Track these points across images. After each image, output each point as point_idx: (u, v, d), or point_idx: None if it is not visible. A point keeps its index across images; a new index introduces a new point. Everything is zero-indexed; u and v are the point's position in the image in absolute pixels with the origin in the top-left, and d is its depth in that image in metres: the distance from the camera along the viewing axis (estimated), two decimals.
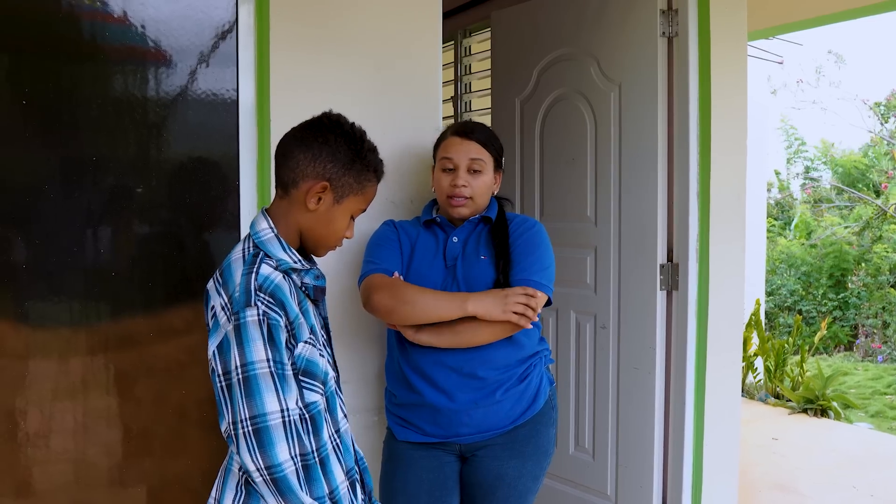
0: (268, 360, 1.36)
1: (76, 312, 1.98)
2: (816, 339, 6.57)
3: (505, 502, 2.04)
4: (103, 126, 1.97)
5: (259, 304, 1.37)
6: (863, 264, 9.07)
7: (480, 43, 4.01)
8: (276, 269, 1.44)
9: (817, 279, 9.30)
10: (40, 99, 1.90)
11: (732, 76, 2.70)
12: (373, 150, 1.54)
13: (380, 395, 2.28)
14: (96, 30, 1.95)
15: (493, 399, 1.98)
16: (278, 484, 1.35)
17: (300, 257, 1.51)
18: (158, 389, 2.08)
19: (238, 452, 1.36)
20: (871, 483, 3.97)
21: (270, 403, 1.35)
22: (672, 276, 2.69)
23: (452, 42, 4.12)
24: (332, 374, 1.55)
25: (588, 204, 2.91)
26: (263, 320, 1.36)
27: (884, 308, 8.62)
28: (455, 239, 2.05)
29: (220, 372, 1.37)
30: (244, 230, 2.07)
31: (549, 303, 2.01)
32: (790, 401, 5.43)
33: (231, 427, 1.36)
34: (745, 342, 5.65)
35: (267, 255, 1.45)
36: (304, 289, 1.50)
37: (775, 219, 10.79)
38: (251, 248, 1.46)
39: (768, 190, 10.00)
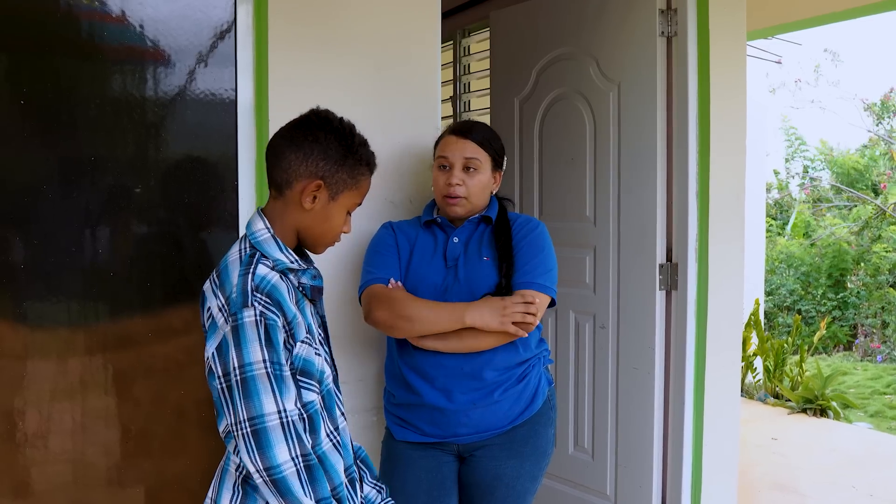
0: (264, 362, 1.35)
1: (75, 312, 1.98)
2: (816, 338, 6.57)
3: (503, 502, 2.03)
4: (102, 126, 1.97)
5: (256, 304, 1.36)
6: (862, 264, 9.06)
7: (479, 43, 4.01)
8: (272, 269, 1.43)
9: (816, 279, 9.30)
10: (39, 99, 1.90)
11: (731, 76, 2.69)
12: (363, 143, 1.54)
13: (378, 396, 2.28)
14: (94, 29, 1.94)
15: (492, 399, 1.98)
16: (278, 485, 1.35)
17: (297, 257, 1.50)
18: (157, 390, 2.08)
19: (239, 454, 1.36)
20: (871, 483, 3.97)
21: (268, 405, 1.35)
22: (671, 275, 2.69)
23: (451, 42, 4.11)
24: (328, 372, 1.54)
25: (587, 204, 2.91)
26: (260, 321, 1.36)
27: (883, 308, 8.61)
28: (456, 239, 2.05)
29: (220, 373, 1.37)
30: (243, 230, 2.06)
31: (552, 304, 2.01)
32: (789, 401, 5.43)
33: (232, 428, 1.36)
34: (745, 342, 5.65)
35: (263, 256, 1.45)
36: (301, 289, 1.50)
37: (774, 218, 10.79)
38: (247, 249, 1.46)
39: (768, 190, 10.00)
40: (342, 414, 1.59)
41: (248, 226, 1.51)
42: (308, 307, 1.51)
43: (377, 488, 1.66)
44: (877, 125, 9.80)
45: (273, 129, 2.03)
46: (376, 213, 2.26)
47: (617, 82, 2.79)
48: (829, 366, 7.23)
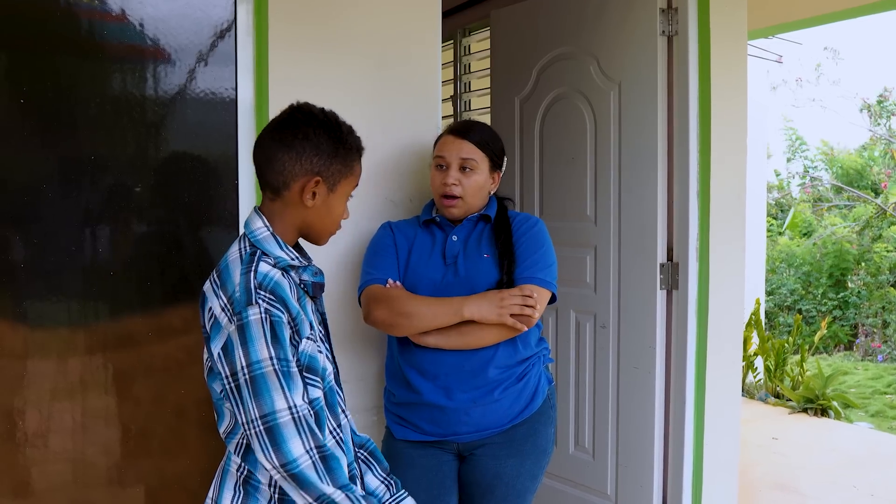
0: (271, 359, 1.35)
1: (75, 312, 1.98)
2: (816, 338, 6.57)
3: (503, 501, 2.03)
4: (102, 125, 1.96)
5: (260, 301, 1.36)
6: (863, 264, 9.06)
7: (480, 42, 4.00)
8: (274, 266, 1.43)
9: (817, 279, 9.30)
10: (38, 98, 1.90)
11: (732, 75, 2.69)
12: (350, 130, 1.53)
13: (379, 395, 2.28)
14: (94, 28, 1.94)
15: (492, 398, 1.98)
16: (297, 479, 1.35)
17: (297, 254, 1.50)
18: (157, 389, 2.07)
19: (255, 452, 1.36)
20: (872, 483, 3.96)
21: (278, 401, 1.35)
22: (672, 275, 2.69)
23: (452, 41, 4.11)
24: (330, 368, 1.55)
25: (588, 203, 2.90)
26: (266, 318, 1.36)
27: (884, 307, 8.61)
28: (455, 237, 2.05)
29: (227, 373, 1.37)
30: (242, 229, 2.06)
31: (553, 300, 2.01)
32: (790, 400, 5.43)
33: (245, 428, 1.36)
34: (745, 342, 5.65)
35: (264, 254, 1.45)
36: (302, 286, 1.50)
37: (775, 218, 10.79)
38: (247, 248, 1.45)
39: (769, 191, 10.00)
40: (343, 411, 1.59)
41: (247, 224, 1.50)
42: (309, 304, 1.51)
43: (386, 483, 1.64)
44: (875, 125, 9.80)
45: None
46: (376, 212, 2.26)
47: (617, 82, 2.79)
48: (830, 365, 7.23)
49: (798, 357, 5.79)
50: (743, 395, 5.59)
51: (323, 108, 1.52)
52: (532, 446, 2.04)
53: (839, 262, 9.14)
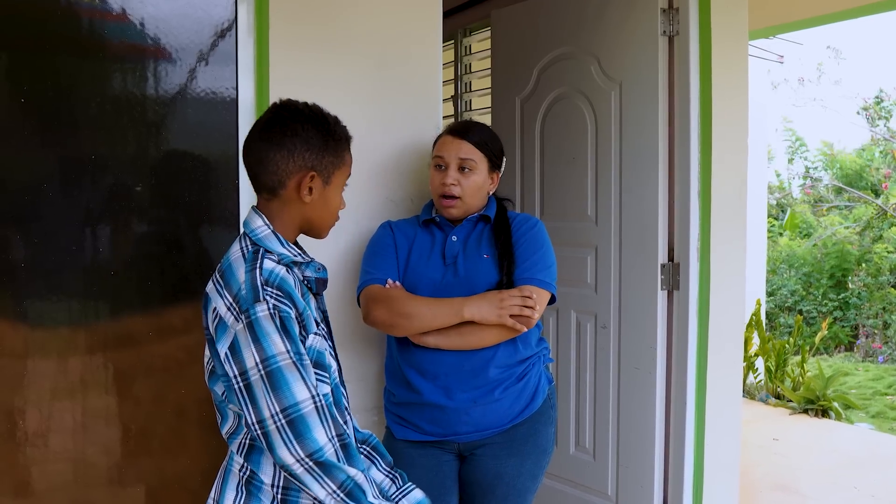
0: (287, 352, 1.35)
1: (75, 311, 1.98)
2: (817, 339, 6.57)
3: (504, 501, 2.03)
4: (102, 124, 1.96)
5: (268, 298, 1.36)
6: (863, 265, 9.06)
7: (480, 42, 4.00)
8: (278, 263, 1.43)
9: (818, 279, 9.29)
10: (39, 97, 1.90)
11: (733, 75, 2.69)
12: (336, 121, 1.53)
13: (379, 396, 2.27)
14: (95, 27, 1.94)
15: (492, 398, 1.98)
16: (323, 467, 1.35)
17: (299, 250, 1.50)
18: (157, 389, 2.07)
19: (271, 449, 1.35)
20: (873, 484, 3.96)
21: (300, 392, 1.35)
22: (673, 275, 2.68)
23: (452, 41, 4.11)
24: (335, 366, 1.55)
25: (588, 203, 2.90)
26: (275, 313, 1.36)
27: (884, 308, 8.61)
28: (454, 238, 2.05)
29: (236, 373, 1.36)
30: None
31: (552, 300, 2.01)
32: (791, 401, 5.42)
33: (258, 426, 1.35)
34: (746, 342, 5.64)
35: (267, 251, 1.45)
36: (306, 282, 1.50)
37: (776, 219, 10.78)
38: (249, 246, 1.45)
39: (770, 193, 10.00)
40: (346, 409, 1.59)
41: (246, 224, 1.50)
42: (312, 301, 1.51)
43: (391, 476, 1.64)
44: (874, 127, 9.81)
45: None
46: (377, 211, 2.25)
47: (618, 82, 2.79)
48: (831, 366, 7.22)
49: (799, 358, 5.78)
50: (743, 396, 5.59)
51: (306, 103, 1.52)
52: (532, 446, 2.04)
53: (840, 263, 9.14)
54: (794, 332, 6.03)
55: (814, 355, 7.11)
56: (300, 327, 1.41)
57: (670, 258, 2.70)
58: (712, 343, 2.66)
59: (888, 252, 8.85)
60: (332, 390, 1.50)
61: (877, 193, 9.62)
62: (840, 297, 9.07)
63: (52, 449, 1.94)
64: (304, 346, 1.42)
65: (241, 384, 1.36)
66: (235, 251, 1.46)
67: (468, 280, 1.98)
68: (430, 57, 2.36)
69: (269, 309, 1.35)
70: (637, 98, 2.73)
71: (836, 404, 5.30)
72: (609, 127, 2.82)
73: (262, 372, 1.34)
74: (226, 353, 1.37)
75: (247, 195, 2.11)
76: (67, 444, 1.96)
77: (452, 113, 4.17)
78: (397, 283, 2.00)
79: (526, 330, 1.94)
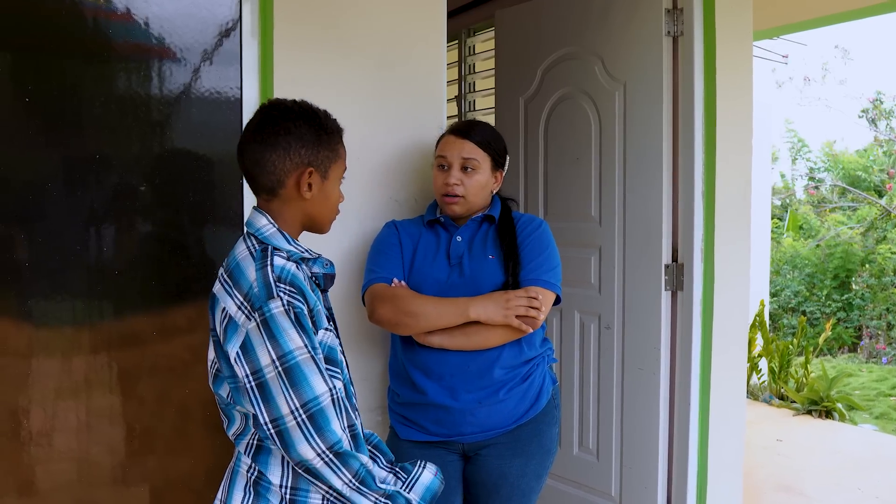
0: (305, 346, 1.36)
1: (79, 311, 1.98)
2: (821, 340, 6.56)
3: (508, 501, 2.03)
4: (106, 124, 1.96)
5: (282, 294, 1.36)
6: (867, 265, 9.05)
7: (484, 42, 4.00)
8: (287, 259, 1.44)
9: (821, 280, 9.28)
10: (43, 97, 1.90)
11: (738, 75, 2.68)
12: (326, 114, 1.54)
13: (383, 395, 2.27)
14: (100, 27, 1.94)
15: (497, 398, 1.97)
16: (341, 458, 1.36)
17: (305, 247, 1.51)
18: (161, 388, 2.07)
19: (288, 447, 1.35)
20: (876, 484, 3.95)
21: (318, 386, 1.36)
22: (677, 276, 2.68)
23: (456, 41, 4.11)
24: (344, 361, 1.55)
25: (592, 203, 2.90)
26: (289, 309, 1.36)
27: (888, 309, 8.60)
28: (459, 238, 2.05)
29: (248, 372, 1.36)
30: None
31: (558, 301, 2.01)
32: (794, 402, 5.42)
33: (272, 424, 1.35)
34: (750, 343, 5.64)
35: (276, 248, 1.45)
36: (314, 278, 1.50)
37: (780, 219, 10.77)
38: (256, 245, 1.45)
39: (774, 194, 9.99)
40: (354, 407, 1.59)
41: (250, 224, 1.50)
42: (320, 298, 1.51)
43: (393, 472, 1.64)
44: (875, 129, 9.80)
45: None
46: (380, 211, 2.25)
47: (622, 82, 2.79)
48: (834, 367, 7.21)
49: (802, 359, 5.77)
50: (747, 397, 5.58)
51: (294, 100, 1.53)
52: (537, 446, 2.04)
53: (844, 264, 9.13)
54: (797, 333, 6.03)
55: (817, 356, 7.10)
56: (312, 322, 1.41)
57: (674, 259, 2.70)
58: (716, 344, 2.66)
59: (892, 253, 8.84)
60: (343, 385, 1.50)
61: (880, 194, 9.61)
62: (844, 297, 9.06)
63: (57, 448, 1.94)
64: (317, 341, 1.42)
65: (253, 383, 1.36)
66: (242, 251, 1.46)
67: (473, 281, 1.98)
68: (434, 57, 2.36)
69: (283, 305, 1.35)
70: (641, 98, 2.73)
71: (839, 405, 5.30)
72: (613, 127, 2.82)
73: (280, 368, 1.34)
74: (237, 353, 1.37)
75: (251, 195, 2.11)
76: (71, 444, 1.96)
77: (456, 113, 4.17)
78: (402, 282, 2.00)
79: (531, 331, 1.94)
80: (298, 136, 1.47)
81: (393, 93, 2.28)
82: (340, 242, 2.17)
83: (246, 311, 1.36)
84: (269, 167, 1.47)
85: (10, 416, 1.89)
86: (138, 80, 1.99)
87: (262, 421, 1.36)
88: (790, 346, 5.79)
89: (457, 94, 4.16)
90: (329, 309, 1.59)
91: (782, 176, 11.17)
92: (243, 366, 1.36)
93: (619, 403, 2.83)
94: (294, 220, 1.52)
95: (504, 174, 2.13)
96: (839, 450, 4.59)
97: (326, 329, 1.46)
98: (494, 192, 2.13)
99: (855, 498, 3.79)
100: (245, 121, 2.08)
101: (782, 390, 5.61)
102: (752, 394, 5.70)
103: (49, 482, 1.94)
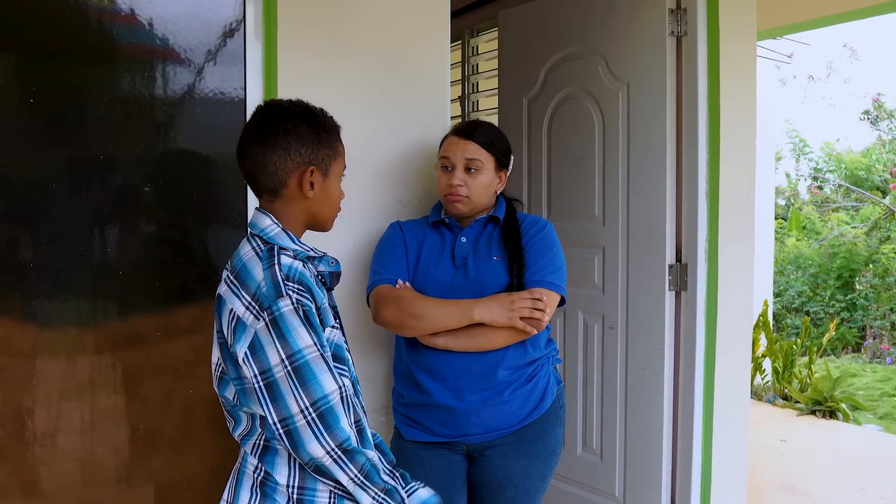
0: (315, 344, 1.36)
1: (84, 311, 1.98)
2: (824, 340, 6.55)
3: (513, 502, 2.03)
4: (111, 125, 1.97)
5: (290, 293, 1.37)
6: (871, 265, 9.03)
7: (488, 42, 4.00)
8: (294, 258, 1.44)
9: (825, 280, 9.26)
10: (48, 98, 1.90)
11: (741, 75, 2.68)
12: (322, 112, 1.54)
13: (388, 396, 2.27)
14: (103, 28, 1.94)
15: (501, 399, 1.97)
16: (349, 454, 1.37)
17: (311, 246, 1.51)
18: (166, 389, 2.07)
19: (298, 446, 1.35)
20: (880, 485, 3.95)
21: (328, 384, 1.36)
22: (681, 276, 2.68)
23: (460, 41, 4.11)
24: (350, 359, 1.55)
25: (596, 203, 2.90)
26: (298, 307, 1.36)
27: (892, 309, 8.58)
28: (464, 239, 2.05)
29: (256, 371, 1.36)
30: None
31: (562, 302, 2.01)
32: (798, 402, 5.41)
33: (281, 424, 1.35)
34: (753, 343, 5.63)
35: (282, 248, 1.45)
36: (320, 276, 1.50)
37: (784, 219, 10.76)
38: (261, 245, 1.46)
39: (778, 194, 9.98)
40: (361, 405, 1.59)
41: (254, 224, 1.50)
42: (325, 297, 1.51)
43: (392, 475, 1.65)
44: (876, 130, 9.79)
45: None
46: (385, 211, 2.25)
47: (626, 82, 2.78)
48: (838, 367, 7.20)
49: (806, 359, 5.77)
50: (751, 397, 5.57)
51: (290, 100, 1.53)
52: (542, 447, 2.04)
53: (848, 264, 9.11)
54: (801, 333, 6.02)
55: (821, 356, 7.09)
56: (319, 320, 1.41)
57: (678, 259, 2.69)
58: (720, 344, 2.65)
59: None
60: (351, 383, 1.51)
61: (884, 194, 9.59)
62: (847, 297, 9.04)
63: (61, 449, 1.95)
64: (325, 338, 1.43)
65: (261, 383, 1.36)
66: (247, 251, 1.46)
67: (478, 282, 1.98)
68: (437, 57, 2.36)
69: (292, 303, 1.36)
70: (645, 98, 2.72)
71: (843, 405, 5.29)
72: (616, 127, 2.82)
73: (289, 367, 1.34)
74: (245, 353, 1.37)
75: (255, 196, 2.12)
76: (76, 444, 1.96)
77: (460, 113, 4.17)
78: (407, 283, 2.00)
79: (536, 332, 1.94)
80: (298, 136, 1.47)
81: (396, 93, 2.28)
82: (345, 243, 2.18)
83: (254, 311, 1.36)
84: (271, 168, 1.47)
85: (15, 417, 1.90)
86: (142, 80, 1.99)
87: (270, 421, 1.36)
88: (794, 347, 5.78)
89: (460, 94, 4.16)
90: (334, 307, 1.60)
91: (787, 176, 11.16)
92: (252, 366, 1.36)
93: (622, 404, 2.83)
94: (297, 220, 1.52)
95: (508, 175, 2.13)
96: (843, 450, 4.58)
97: (333, 327, 1.47)
98: (498, 192, 2.13)
99: (859, 498, 3.79)
100: None
101: (786, 390, 5.60)
102: (756, 394, 5.70)
103: (53, 482, 1.95)
